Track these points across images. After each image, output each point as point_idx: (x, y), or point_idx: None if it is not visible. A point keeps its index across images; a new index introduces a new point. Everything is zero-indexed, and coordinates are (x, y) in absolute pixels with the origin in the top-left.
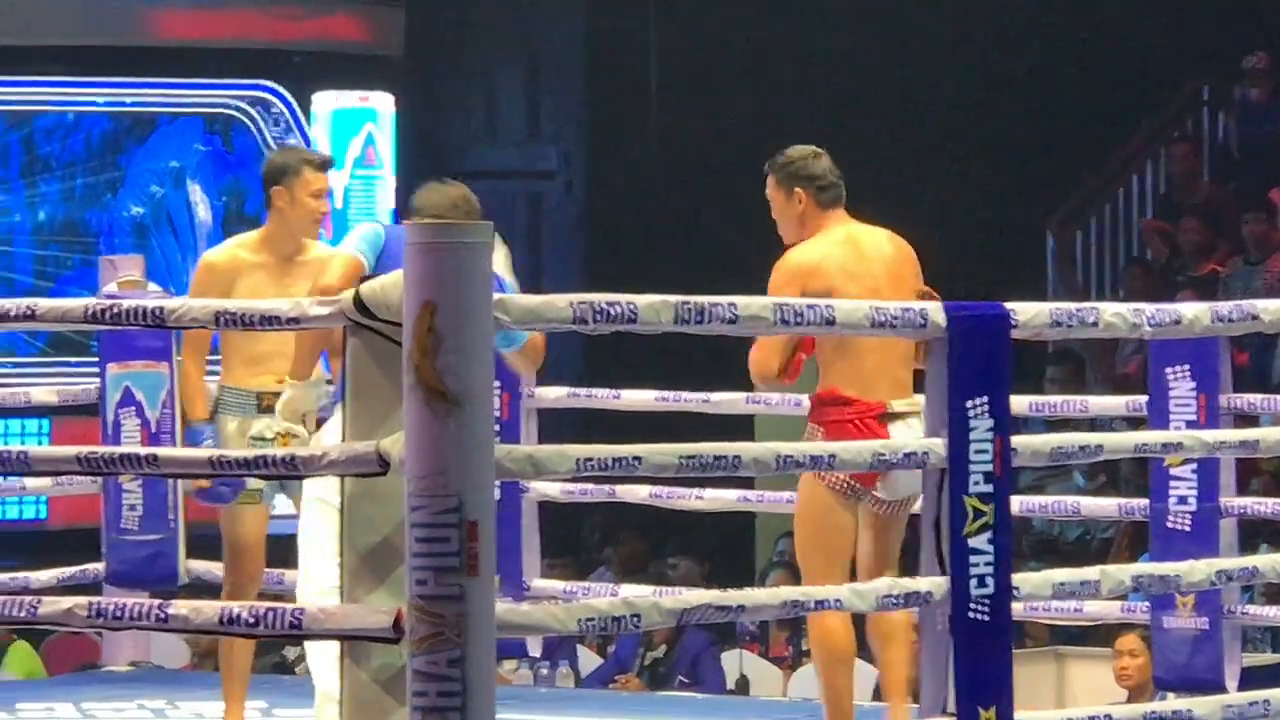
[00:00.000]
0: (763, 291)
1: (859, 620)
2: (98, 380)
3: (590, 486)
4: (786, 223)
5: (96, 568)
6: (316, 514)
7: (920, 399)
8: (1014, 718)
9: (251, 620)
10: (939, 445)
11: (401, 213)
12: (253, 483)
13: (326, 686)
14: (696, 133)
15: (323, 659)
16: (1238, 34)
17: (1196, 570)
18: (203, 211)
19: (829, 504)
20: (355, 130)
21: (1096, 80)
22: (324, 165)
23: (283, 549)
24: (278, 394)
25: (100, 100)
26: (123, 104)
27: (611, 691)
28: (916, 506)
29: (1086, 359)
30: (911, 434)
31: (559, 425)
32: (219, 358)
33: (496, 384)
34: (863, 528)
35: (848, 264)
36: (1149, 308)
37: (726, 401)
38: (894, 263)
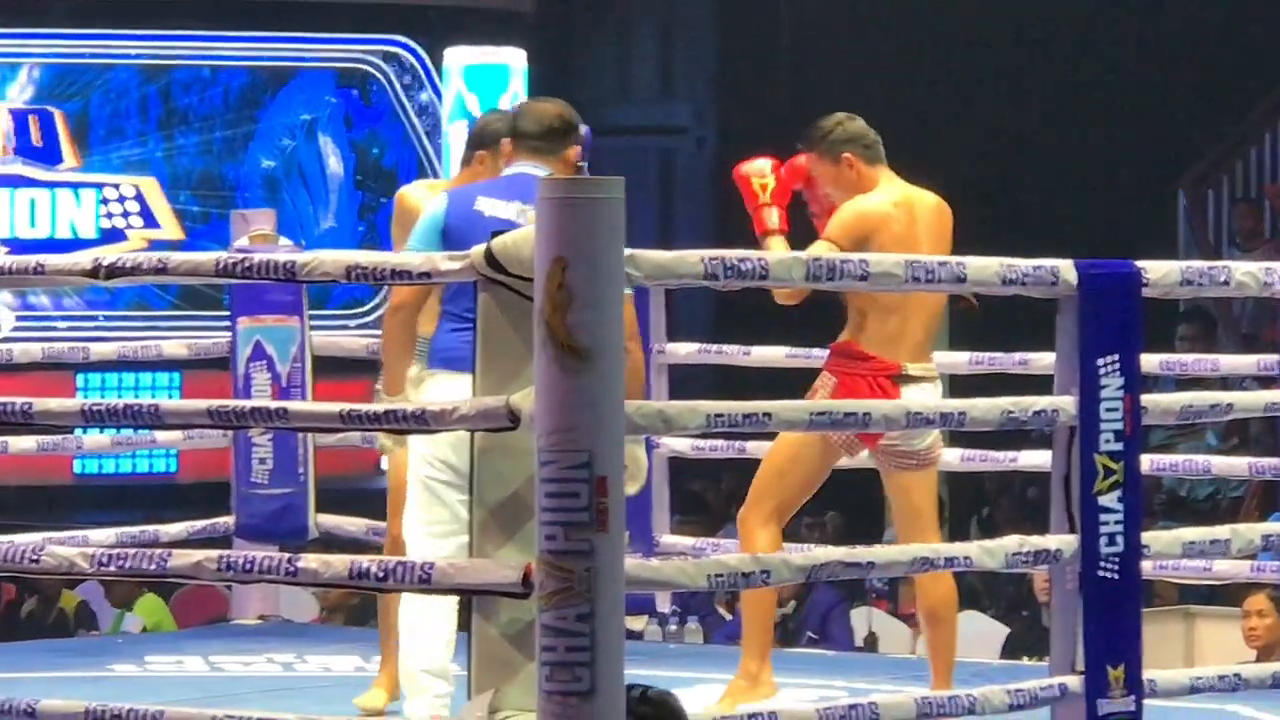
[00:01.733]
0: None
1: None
2: (229, 334)
3: (720, 443)
4: (842, 189)
5: (226, 521)
6: (415, 499)
7: (934, 364)
8: (1142, 676)
9: (381, 574)
10: (1069, 403)
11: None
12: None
13: (407, 666)
14: (827, 88)
15: (412, 640)
16: None
17: None
18: (334, 164)
19: (813, 445)
20: (492, 85)
21: (1230, 40)
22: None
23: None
24: None
25: (234, 54)
26: (257, 58)
27: (739, 648)
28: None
29: (1218, 318)
30: (924, 397)
31: (690, 381)
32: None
33: None
34: (888, 490)
35: (899, 228)
36: None
37: None
38: (939, 230)
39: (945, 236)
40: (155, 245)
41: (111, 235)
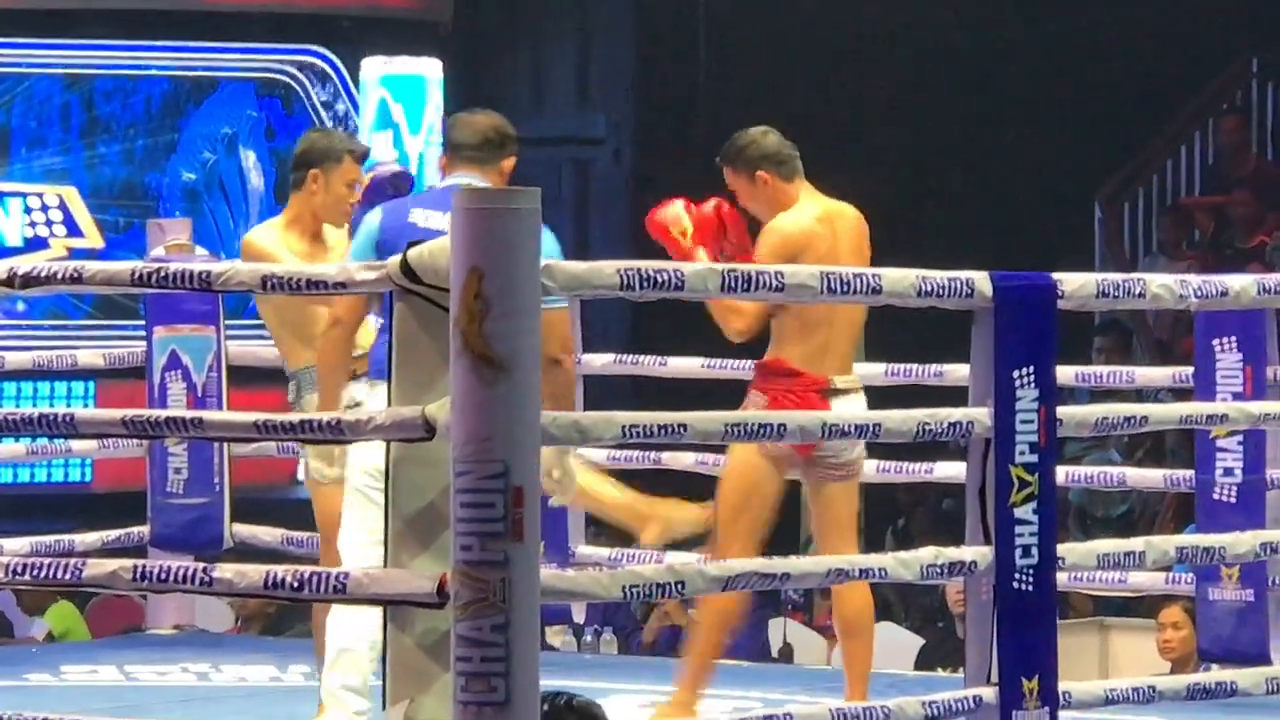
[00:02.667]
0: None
1: None
2: (144, 343)
3: (636, 453)
4: (758, 206)
5: (141, 531)
6: (352, 508)
7: (859, 377)
8: (1057, 688)
9: (296, 584)
10: (984, 415)
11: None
12: (315, 464)
13: (327, 682)
14: (745, 100)
15: (331, 647)
16: None
17: (1242, 542)
18: (255, 178)
19: (762, 474)
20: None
21: (1146, 53)
22: (364, 157)
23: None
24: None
25: (155, 64)
26: (178, 68)
27: (657, 659)
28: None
29: (1134, 330)
30: (853, 409)
31: (606, 392)
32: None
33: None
34: (812, 502)
35: (825, 245)
36: (1195, 279)
37: None
38: (858, 243)
39: (864, 249)
40: (76, 254)
41: (35, 244)
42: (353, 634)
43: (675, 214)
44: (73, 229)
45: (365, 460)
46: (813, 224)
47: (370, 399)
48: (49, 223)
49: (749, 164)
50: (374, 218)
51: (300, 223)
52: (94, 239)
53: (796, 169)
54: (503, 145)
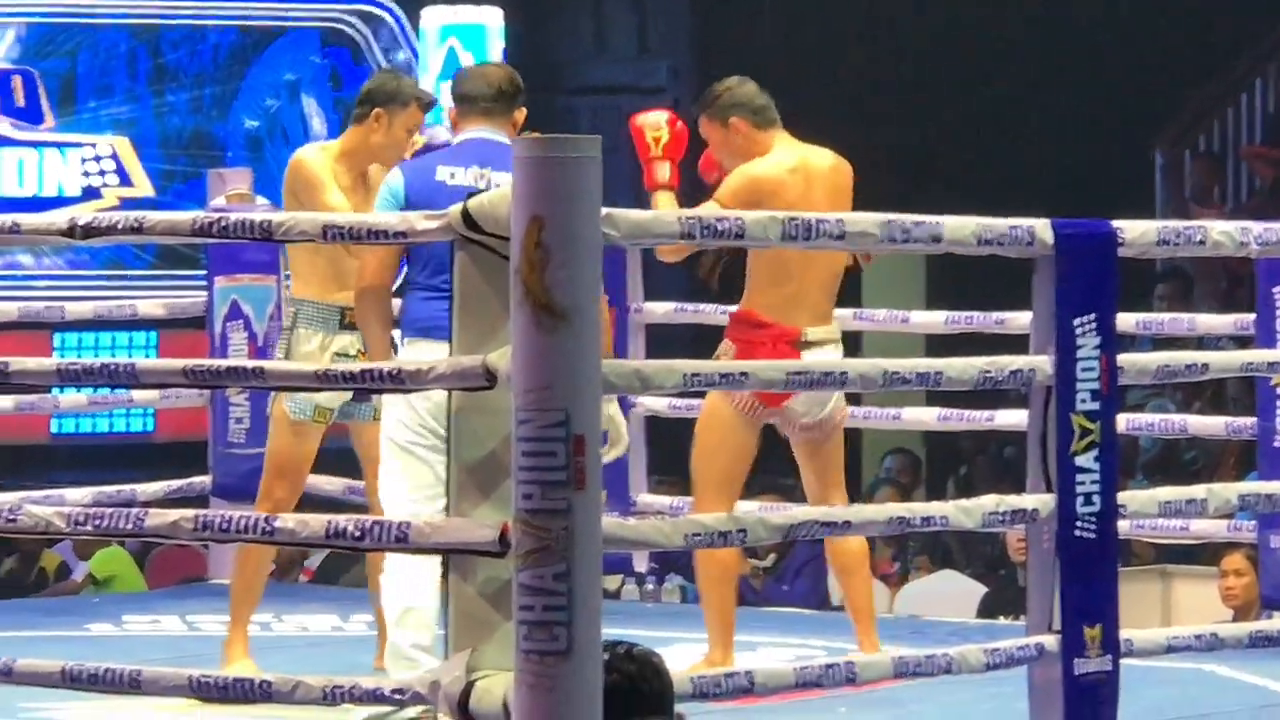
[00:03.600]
0: (870, 209)
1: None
2: (205, 293)
3: (698, 402)
4: (730, 154)
5: (203, 481)
6: (394, 462)
7: (836, 327)
8: (1119, 636)
9: (357, 534)
10: (1046, 363)
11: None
12: (325, 400)
13: (395, 641)
14: (806, 47)
15: (394, 604)
16: None
17: None
18: (318, 125)
19: (732, 423)
20: (468, 44)
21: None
22: (430, 106)
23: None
24: None
25: (216, 14)
26: (234, 17)
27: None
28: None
29: (1195, 277)
30: (825, 360)
31: (667, 340)
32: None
33: (605, 298)
34: (796, 454)
35: (794, 193)
36: (1257, 226)
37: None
38: (836, 188)
39: (844, 193)
40: (127, 204)
41: (90, 194)
42: (417, 590)
43: (656, 121)
44: (124, 178)
45: (406, 414)
46: (782, 172)
47: (406, 356)
48: (102, 172)
49: (721, 111)
50: (396, 178)
51: (352, 156)
52: (144, 188)
53: (772, 118)
54: (515, 97)
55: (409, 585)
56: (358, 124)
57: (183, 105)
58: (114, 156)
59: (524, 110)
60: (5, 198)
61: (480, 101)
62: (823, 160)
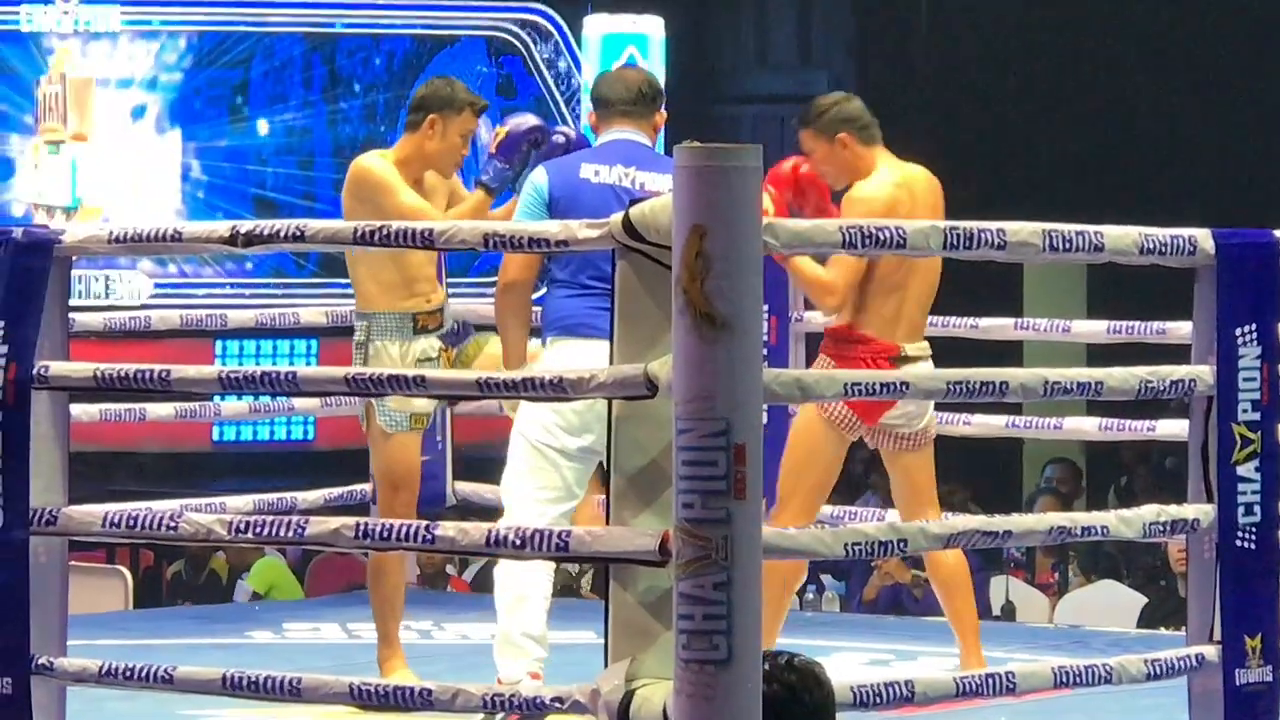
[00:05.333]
0: (1031, 218)
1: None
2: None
3: None
4: (836, 170)
5: (363, 488)
6: (522, 460)
7: (926, 344)
8: None
9: (518, 542)
10: (1207, 373)
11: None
12: (421, 406)
13: (506, 628)
14: (966, 57)
15: (508, 592)
16: None
17: None
18: (484, 134)
19: (823, 436)
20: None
21: None
22: (482, 112)
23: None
24: (431, 314)
25: (383, 23)
26: (394, 26)
27: (878, 617)
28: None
29: None
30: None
31: None
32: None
33: (765, 308)
34: (889, 469)
35: (905, 209)
36: None
37: (995, 327)
38: (934, 204)
39: (939, 210)
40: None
41: None
42: (528, 582)
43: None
44: None
45: (545, 415)
46: (893, 189)
47: (552, 356)
48: None
49: (829, 127)
50: (540, 177)
51: (407, 165)
52: None
53: (876, 135)
54: (655, 100)
55: (522, 577)
56: (412, 131)
57: (355, 113)
58: None
59: (664, 114)
60: None
61: (619, 104)
62: (921, 176)
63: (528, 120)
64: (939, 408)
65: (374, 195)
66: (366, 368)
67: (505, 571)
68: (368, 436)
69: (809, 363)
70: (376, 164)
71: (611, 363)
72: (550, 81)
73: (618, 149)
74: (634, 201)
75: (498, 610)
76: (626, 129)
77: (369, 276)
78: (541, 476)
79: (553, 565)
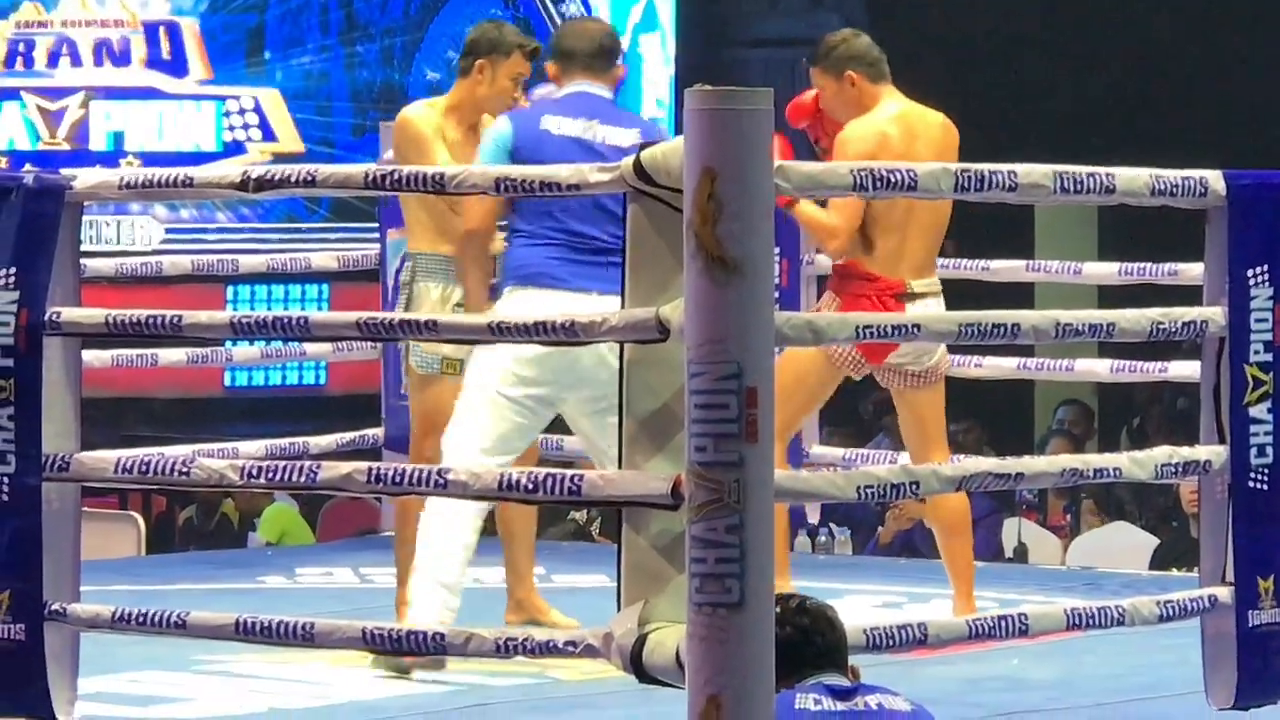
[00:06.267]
0: (1042, 159)
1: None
2: (378, 246)
3: None
4: (844, 107)
5: (375, 433)
6: (472, 409)
7: (937, 279)
8: None
9: (530, 486)
10: (1218, 314)
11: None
12: (452, 351)
13: (422, 575)
14: (978, 1)
15: (431, 552)
16: None
17: None
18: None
19: (814, 367)
20: None
21: None
22: (534, 54)
23: None
24: None
25: None
26: None
27: (890, 560)
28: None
29: None
30: (928, 314)
31: None
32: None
33: (776, 251)
34: (897, 407)
35: (899, 145)
36: None
37: (1006, 268)
38: (942, 147)
39: (949, 154)
40: (279, 160)
41: (233, 148)
42: (450, 533)
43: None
44: (268, 133)
45: (500, 363)
46: (883, 126)
47: (508, 304)
48: (245, 126)
49: (837, 64)
50: (504, 125)
51: (459, 110)
52: (290, 143)
53: (884, 72)
54: (615, 53)
55: (441, 531)
56: (463, 76)
57: (373, 58)
58: (257, 109)
59: (624, 67)
60: (151, 152)
61: (580, 57)
62: (929, 117)
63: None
64: (951, 350)
65: (409, 149)
66: (391, 312)
67: (427, 522)
68: (405, 379)
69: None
70: (416, 115)
71: (623, 306)
72: (558, 22)
73: (579, 102)
74: (596, 154)
75: (417, 554)
76: (588, 82)
77: (415, 219)
78: (487, 427)
79: (481, 516)
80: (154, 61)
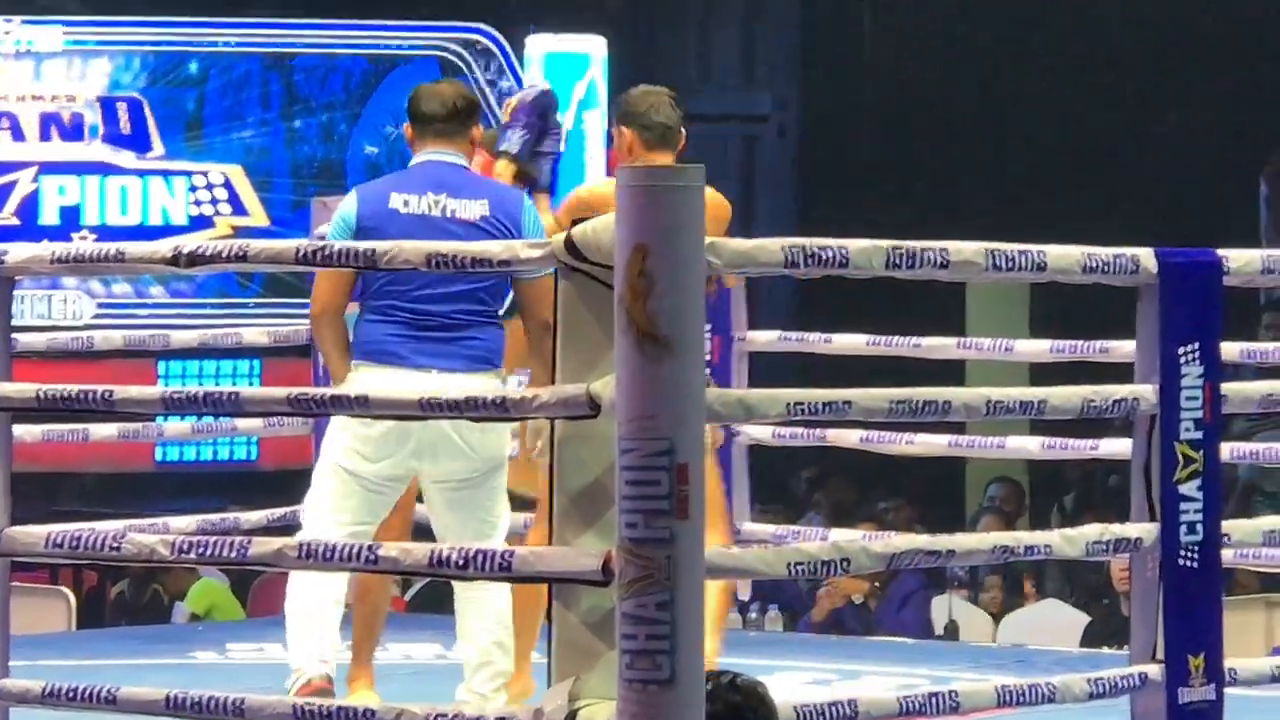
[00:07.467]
0: (975, 236)
1: None
2: (308, 322)
3: (801, 430)
4: (620, 161)
5: None
6: (320, 476)
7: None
8: (1223, 665)
9: (460, 562)
10: (1149, 391)
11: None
12: None
13: (294, 637)
14: (910, 76)
15: (300, 623)
16: None
17: None
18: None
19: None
20: (568, 73)
21: None
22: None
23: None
24: None
25: (339, 43)
26: (341, 45)
27: (821, 637)
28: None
29: None
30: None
31: (770, 369)
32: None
33: (708, 327)
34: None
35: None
36: None
37: (938, 346)
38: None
39: (716, 229)
40: (242, 233)
41: (200, 223)
42: (315, 603)
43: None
44: (238, 208)
45: (347, 439)
46: (609, 192)
47: (354, 381)
48: (214, 201)
49: (618, 118)
50: (350, 203)
51: None
52: (258, 217)
53: (660, 138)
54: (470, 115)
55: (310, 590)
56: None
57: (313, 133)
58: (227, 185)
59: (481, 129)
60: (108, 226)
61: (435, 122)
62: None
63: (535, 88)
64: (881, 427)
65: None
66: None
67: (294, 593)
68: None
69: (752, 382)
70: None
71: (555, 382)
72: (493, 101)
73: (429, 173)
74: (442, 230)
75: (288, 630)
76: (440, 148)
77: None
78: (338, 500)
79: (343, 584)
80: (112, 137)
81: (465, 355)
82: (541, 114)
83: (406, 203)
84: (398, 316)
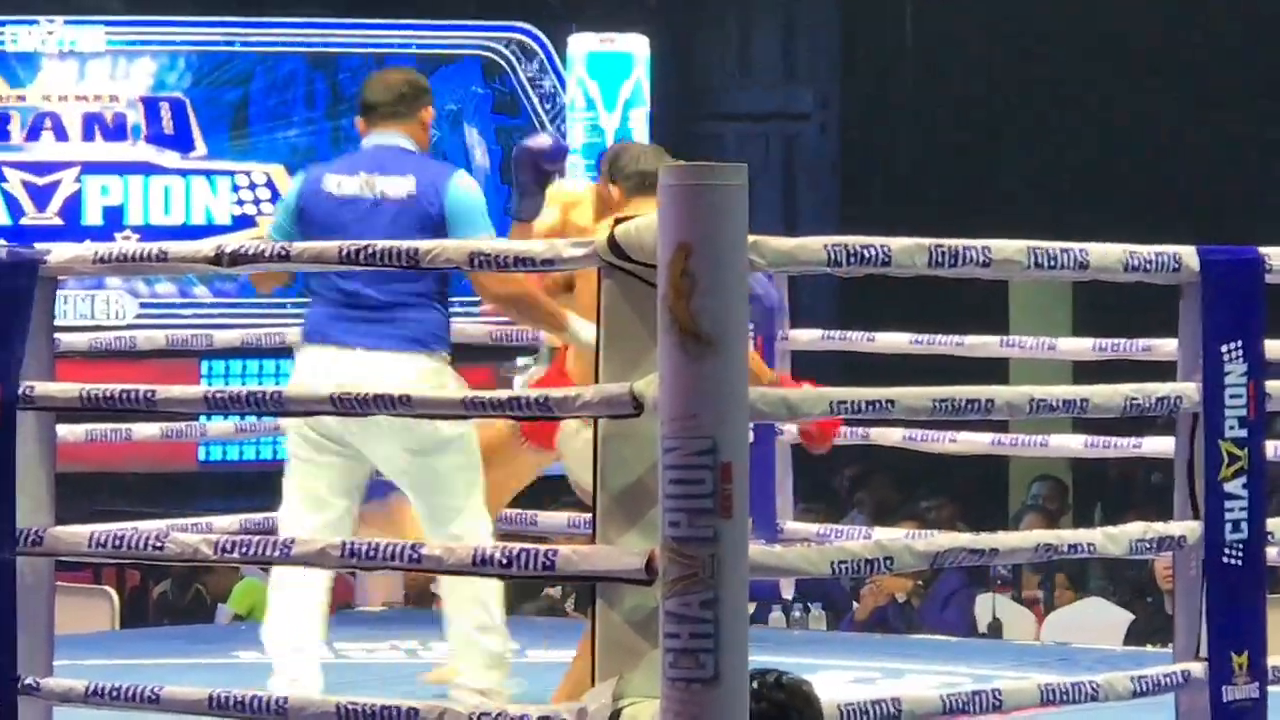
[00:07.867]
0: (1019, 232)
1: None
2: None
3: (844, 429)
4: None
5: None
6: (292, 475)
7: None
8: (1267, 663)
9: (504, 561)
10: (1193, 390)
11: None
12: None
13: (279, 640)
14: (952, 73)
15: (283, 619)
16: None
17: None
18: (479, 156)
19: (510, 443)
20: (614, 72)
21: None
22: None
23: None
24: None
25: (384, 42)
26: (368, 45)
27: (864, 635)
28: None
29: None
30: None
31: (813, 367)
32: None
33: (751, 326)
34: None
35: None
36: None
37: (981, 344)
38: None
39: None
40: None
41: (243, 222)
42: (298, 599)
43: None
44: None
45: (291, 426)
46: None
47: (300, 360)
48: (256, 200)
49: (604, 177)
50: (295, 184)
51: None
52: None
53: (638, 186)
54: (418, 97)
55: (297, 589)
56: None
57: (358, 133)
58: (270, 184)
59: (431, 110)
60: (152, 226)
61: (382, 107)
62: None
63: (519, 145)
64: (926, 425)
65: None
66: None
67: (278, 589)
68: None
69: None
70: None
71: (597, 381)
72: (535, 100)
73: (366, 156)
74: (370, 208)
75: (270, 626)
76: (387, 131)
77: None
78: (299, 488)
79: (329, 581)
80: (156, 137)
81: (396, 335)
82: (533, 166)
83: (340, 184)
84: (330, 297)
